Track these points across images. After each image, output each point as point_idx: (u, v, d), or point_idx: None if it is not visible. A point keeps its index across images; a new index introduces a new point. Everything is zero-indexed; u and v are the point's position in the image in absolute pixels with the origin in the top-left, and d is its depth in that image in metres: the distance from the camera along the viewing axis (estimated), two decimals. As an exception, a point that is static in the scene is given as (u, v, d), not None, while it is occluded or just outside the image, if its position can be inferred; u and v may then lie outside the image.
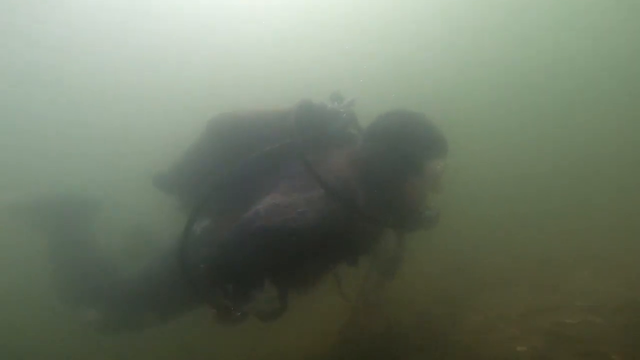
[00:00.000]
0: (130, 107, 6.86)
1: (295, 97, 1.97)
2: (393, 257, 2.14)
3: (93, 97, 6.90)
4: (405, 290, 2.53)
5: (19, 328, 2.79)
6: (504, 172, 5.43)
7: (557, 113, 7.51)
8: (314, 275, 1.89)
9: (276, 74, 7.00)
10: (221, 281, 1.64)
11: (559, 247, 3.23)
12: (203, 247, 1.87)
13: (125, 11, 6.91)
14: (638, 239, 2.95)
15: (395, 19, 8.34)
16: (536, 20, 8.28)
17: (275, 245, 1.57)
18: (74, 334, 2.44)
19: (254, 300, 1.63)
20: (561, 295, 2.26)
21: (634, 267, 2.53)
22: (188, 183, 2.05)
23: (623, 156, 5.41)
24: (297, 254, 1.64)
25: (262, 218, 1.59)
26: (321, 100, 2.06)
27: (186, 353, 2.69)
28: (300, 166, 1.77)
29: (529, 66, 8.27)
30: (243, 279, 1.61)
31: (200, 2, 7.57)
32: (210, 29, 7.71)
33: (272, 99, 2.13)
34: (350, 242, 1.84)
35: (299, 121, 1.91)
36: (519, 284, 2.58)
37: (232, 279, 1.62)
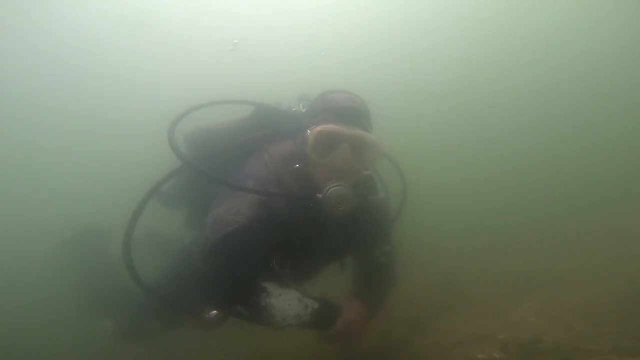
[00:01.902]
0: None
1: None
2: (385, 262, 2.14)
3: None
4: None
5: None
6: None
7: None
8: (306, 267, 1.98)
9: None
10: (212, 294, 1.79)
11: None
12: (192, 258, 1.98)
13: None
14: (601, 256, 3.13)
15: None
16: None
17: (236, 249, 1.67)
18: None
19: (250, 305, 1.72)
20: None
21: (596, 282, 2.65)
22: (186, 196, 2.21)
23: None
24: (269, 248, 1.75)
25: (208, 238, 1.72)
26: (279, 103, 2.15)
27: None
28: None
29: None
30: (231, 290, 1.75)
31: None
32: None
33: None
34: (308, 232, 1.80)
35: (254, 122, 2.06)
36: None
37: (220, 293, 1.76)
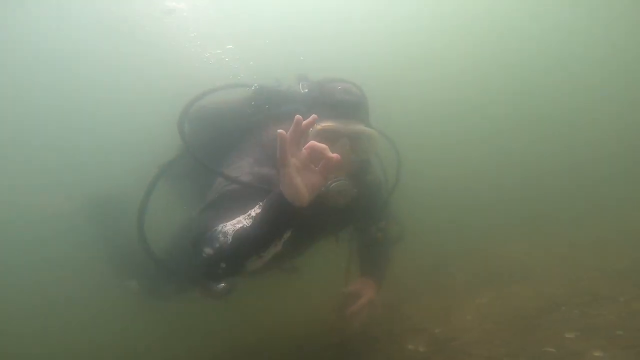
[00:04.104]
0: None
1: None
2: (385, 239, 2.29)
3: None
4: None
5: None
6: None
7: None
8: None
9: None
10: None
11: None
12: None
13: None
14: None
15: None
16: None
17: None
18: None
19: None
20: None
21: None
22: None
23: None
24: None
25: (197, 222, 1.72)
26: (279, 82, 2.18)
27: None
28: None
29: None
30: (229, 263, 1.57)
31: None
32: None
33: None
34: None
35: (255, 103, 2.09)
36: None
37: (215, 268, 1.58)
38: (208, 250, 1.53)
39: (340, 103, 1.77)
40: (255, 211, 1.50)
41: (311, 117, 1.36)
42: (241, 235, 1.47)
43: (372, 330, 2.51)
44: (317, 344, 2.58)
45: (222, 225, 1.56)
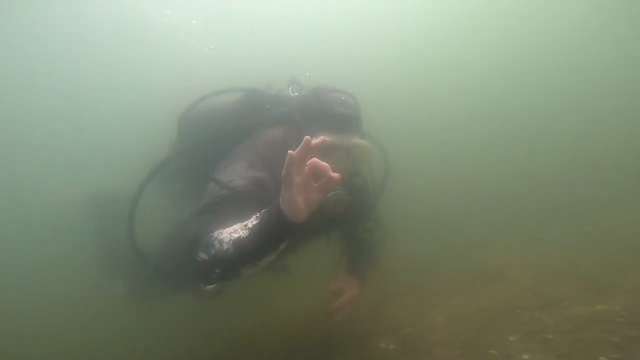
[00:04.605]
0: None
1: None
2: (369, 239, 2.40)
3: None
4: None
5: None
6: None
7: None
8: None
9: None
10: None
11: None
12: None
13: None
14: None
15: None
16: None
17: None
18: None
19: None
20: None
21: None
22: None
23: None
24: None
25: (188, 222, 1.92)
26: (269, 87, 2.25)
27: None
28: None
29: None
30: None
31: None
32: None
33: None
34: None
35: (244, 106, 2.17)
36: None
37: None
38: (203, 256, 1.58)
39: (338, 116, 1.84)
40: (252, 222, 1.53)
41: (320, 138, 1.44)
42: (237, 245, 1.51)
43: (349, 329, 2.69)
44: (299, 340, 2.81)
45: (218, 232, 1.60)
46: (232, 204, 1.78)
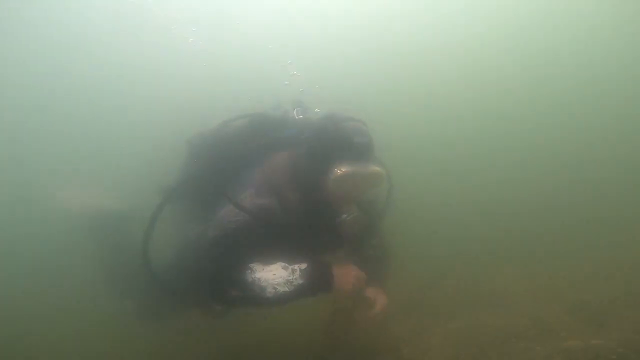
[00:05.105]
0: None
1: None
2: (376, 254, 2.40)
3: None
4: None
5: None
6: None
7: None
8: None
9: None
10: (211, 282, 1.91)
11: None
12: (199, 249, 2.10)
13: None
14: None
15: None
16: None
17: (234, 245, 1.88)
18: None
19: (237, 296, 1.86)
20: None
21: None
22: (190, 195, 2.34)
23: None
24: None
25: (213, 228, 1.94)
26: (276, 108, 2.34)
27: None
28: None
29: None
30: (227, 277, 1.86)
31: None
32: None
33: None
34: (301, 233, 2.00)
35: (252, 129, 2.25)
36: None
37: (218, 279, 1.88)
38: (235, 292, 1.83)
39: (358, 146, 1.94)
40: (295, 278, 1.81)
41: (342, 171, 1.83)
42: (277, 298, 1.79)
43: (349, 346, 2.67)
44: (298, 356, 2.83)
45: (251, 271, 1.83)
46: (242, 235, 1.89)
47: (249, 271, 1.83)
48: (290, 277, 1.82)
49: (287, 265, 1.87)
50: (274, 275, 1.81)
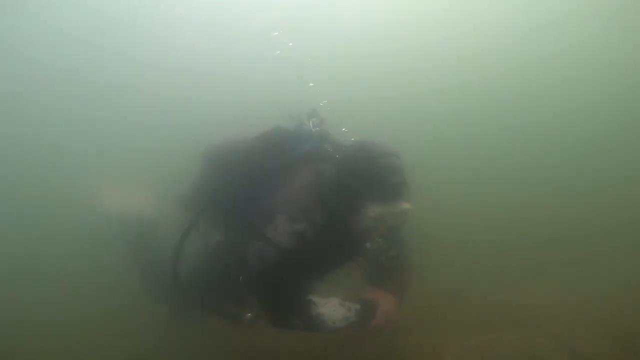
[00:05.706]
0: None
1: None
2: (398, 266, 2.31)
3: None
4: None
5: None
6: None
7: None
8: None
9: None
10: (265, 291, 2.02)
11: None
12: (221, 259, 2.27)
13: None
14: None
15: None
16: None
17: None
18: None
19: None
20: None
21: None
22: (203, 204, 2.34)
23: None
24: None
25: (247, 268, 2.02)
26: (292, 122, 2.29)
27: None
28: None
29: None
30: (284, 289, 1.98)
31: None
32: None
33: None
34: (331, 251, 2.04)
35: (268, 143, 2.22)
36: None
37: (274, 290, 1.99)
38: (298, 323, 1.97)
39: (394, 187, 1.93)
40: (353, 314, 2.01)
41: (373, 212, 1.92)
42: (331, 327, 1.97)
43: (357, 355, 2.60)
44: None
45: (316, 304, 1.99)
46: (282, 266, 1.96)
47: (313, 305, 1.99)
48: (347, 315, 2.00)
49: (343, 302, 2.05)
50: (334, 311, 2.00)
